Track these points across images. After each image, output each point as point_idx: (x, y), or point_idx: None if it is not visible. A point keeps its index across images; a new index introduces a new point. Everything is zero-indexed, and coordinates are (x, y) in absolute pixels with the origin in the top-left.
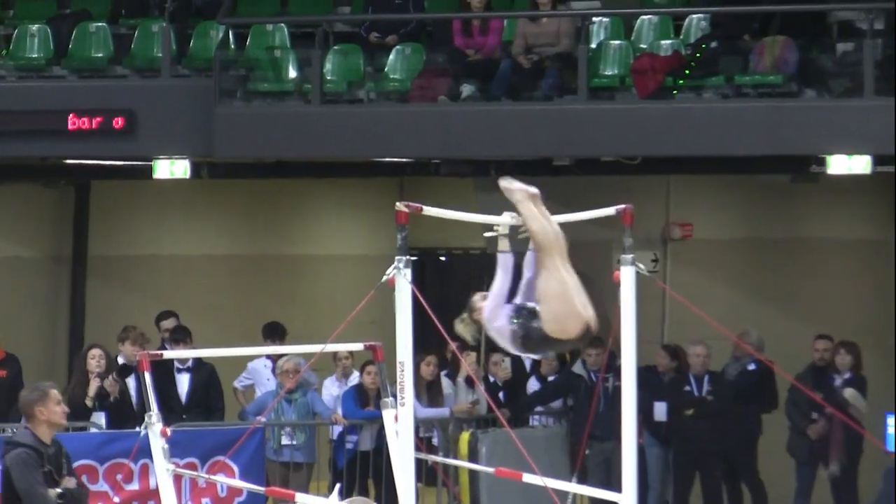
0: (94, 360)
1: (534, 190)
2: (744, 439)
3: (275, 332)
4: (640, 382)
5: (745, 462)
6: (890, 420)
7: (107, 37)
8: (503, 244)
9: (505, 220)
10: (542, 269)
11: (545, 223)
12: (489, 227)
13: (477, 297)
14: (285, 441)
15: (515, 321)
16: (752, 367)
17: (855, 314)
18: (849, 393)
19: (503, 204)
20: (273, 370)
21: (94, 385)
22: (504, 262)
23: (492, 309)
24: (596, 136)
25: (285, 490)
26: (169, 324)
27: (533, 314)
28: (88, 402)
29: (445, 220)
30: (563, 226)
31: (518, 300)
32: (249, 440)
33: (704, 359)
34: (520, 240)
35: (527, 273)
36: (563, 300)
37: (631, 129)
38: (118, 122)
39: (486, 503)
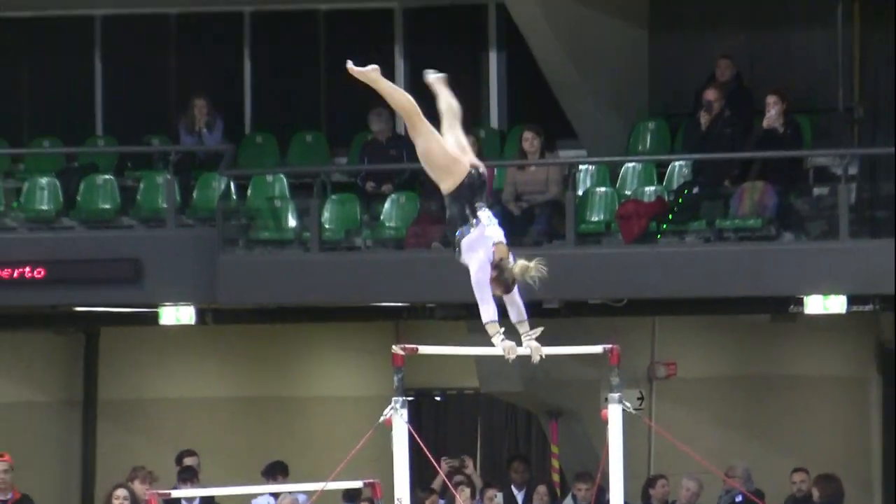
0: (118, 500)
1: (375, 66)
2: None
3: (276, 471)
4: None
5: None
6: None
7: (113, 188)
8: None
9: (504, 348)
10: (415, 137)
11: (401, 92)
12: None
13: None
14: None
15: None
16: (739, 499)
17: (836, 447)
18: None
19: (496, 346)
20: None
21: None
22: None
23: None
24: (583, 279)
25: None
26: (190, 460)
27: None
28: None
29: (441, 362)
30: (553, 364)
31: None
32: None
33: (694, 494)
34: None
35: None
36: (439, 153)
37: (617, 272)
38: (125, 271)
39: None
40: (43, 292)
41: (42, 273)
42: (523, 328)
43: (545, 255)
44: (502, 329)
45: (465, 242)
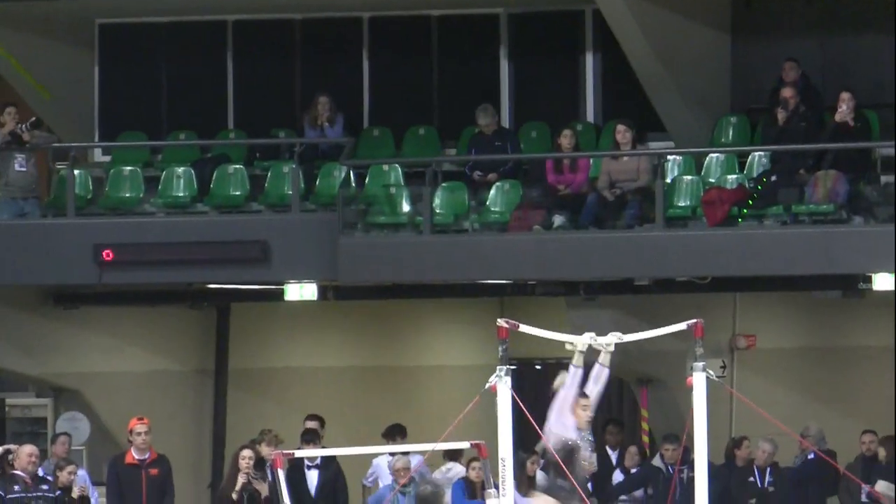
0: (244, 459)
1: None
2: None
3: (395, 432)
4: (713, 473)
5: None
6: None
7: (244, 177)
8: (578, 359)
9: (584, 339)
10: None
11: None
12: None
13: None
14: None
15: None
16: (811, 456)
17: None
18: (880, 485)
19: (592, 320)
20: (391, 467)
21: (240, 481)
22: (573, 374)
23: (557, 410)
24: (671, 259)
25: None
26: (312, 423)
27: (571, 455)
28: (234, 496)
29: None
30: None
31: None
32: None
33: (769, 454)
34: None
35: (591, 385)
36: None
37: (701, 253)
38: (254, 252)
39: None
40: (179, 271)
41: (178, 254)
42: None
43: (636, 236)
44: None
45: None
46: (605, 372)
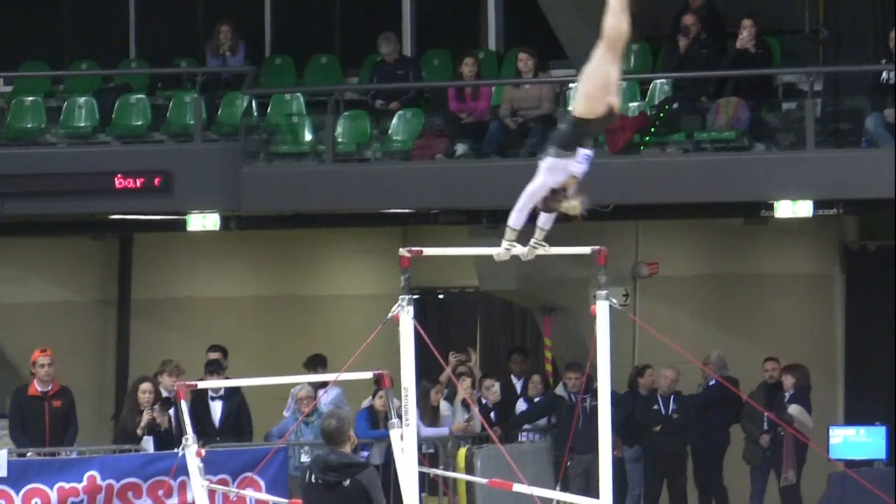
0: (145, 394)
1: None
2: (710, 450)
3: (316, 363)
4: (616, 401)
5: (710, 471)
6: (833, 432)
7: (146, 107)
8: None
9: (499, 251)
10: (595, 53)
11: (620, 21)
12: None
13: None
14: (304, 458)
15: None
16: (712, 383)
17: (803, 339)
18: (793, 409)
19: (494, 247)
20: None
21: (145, 416)
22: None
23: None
24: None
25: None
26: (214, 354)
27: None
28: (139, 431)
29: (443, 263)
30: (541, 264)
31: None
32: (274, 458)
33: (672, 382)
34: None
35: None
36: (596, 81)
37: (604, 180)
38: (156, 182)
39: None
40: (81, 202)
41: (81, 184)
42: (538, 235)
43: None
44: (514, 239)
45: (551, 160)
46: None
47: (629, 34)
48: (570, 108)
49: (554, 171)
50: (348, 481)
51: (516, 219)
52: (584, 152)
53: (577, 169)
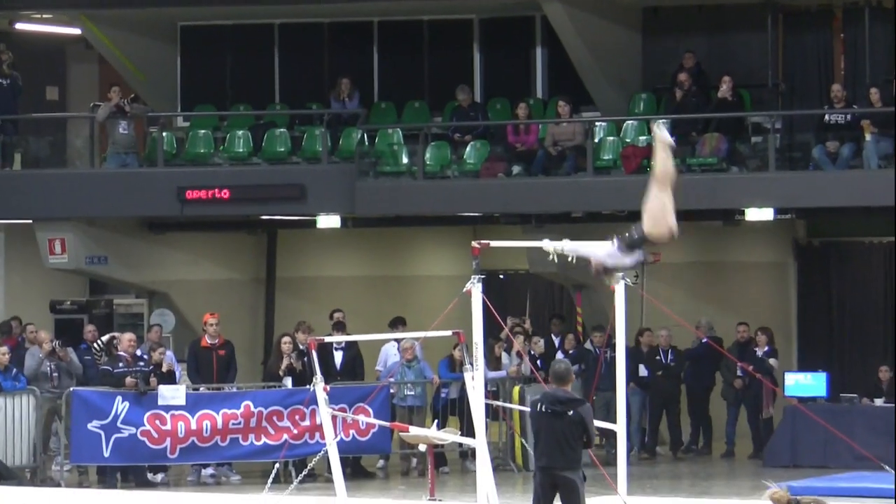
0: (286, 345)
1: (669, 140)
2: (700, 390)
3: (398, 323)
4: (629, 354)
5: (699, 405)
6: (788, 377)
7: (286, 138)
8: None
9: (545, 244)
10: (651, 190)
11: (666, 165)
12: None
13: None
14: (406, 392)
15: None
16: (704, 341)
17: (767, 310)
18: (773, 361)
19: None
20: (398, 349)
21: (285, 361)
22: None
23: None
24: (599, 197)
25: (403, 424)
26: (339, 316)
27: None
28: (281, 372)
29: (503, 252)
30: (577, 258)
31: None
32: (381, 393)
33: (667, 338)
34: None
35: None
36: (658, 211)
37: (621, 193)
38: (294, 192)
39: (530, 432)
40: (239, 206)
41: (239, 194)
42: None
43: (573, 181)
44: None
45: (616, 251)
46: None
47: (675, 174)
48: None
49: (613, 256)
50: (571, 412)
51: (571, 250)
52: (638, 254)
53: (629, 262)
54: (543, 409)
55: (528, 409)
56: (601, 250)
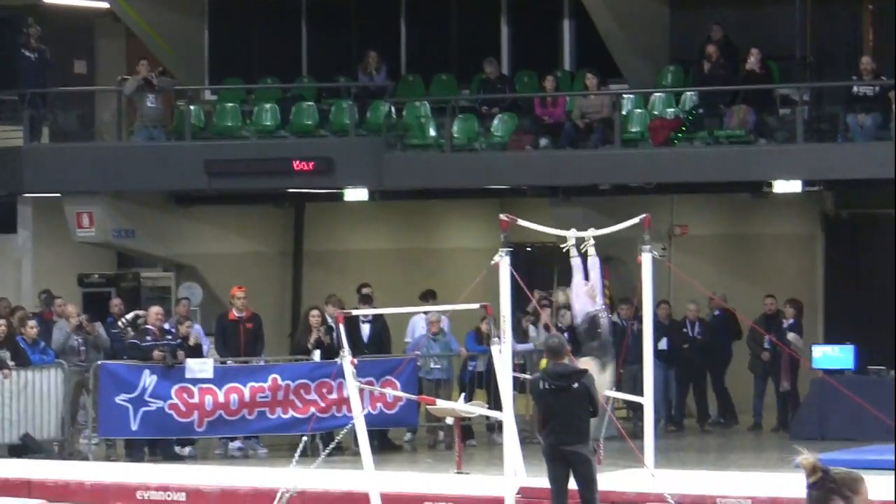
0: (314, 318)
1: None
2: (719, 363)
3: (428, 295)
4: (656, 326)
5: (717, 377)
6: (815, 349)
7: (314, 111)
8: (573, 251)
9: (571, 234)
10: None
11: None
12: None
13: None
14: (433, 365)
15: (581, 325)
16: (717, 313)
17: (795, 282)
18: (791, 336)
19: (569, 215)
20: (426, 321)
21: (314, 334)
22: (576, 265)
23: (575, 297)
24: (626, 170)
25: (430, 398)
26: (367, 290)
27: (594, 322)
28: (309, 346)
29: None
30: (602, 226)
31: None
32: (408, 366)
33: (695, 311)
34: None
35: (591, 274)
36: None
37: (648, 165)
38: (322, 165)
39: None
40: (267, 179)
41: (267, 167)
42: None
43: (600, 153)
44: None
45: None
46: (597, 261)
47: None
48: None
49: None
50: (576, 385)
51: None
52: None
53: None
54: (548, 387)
55: None
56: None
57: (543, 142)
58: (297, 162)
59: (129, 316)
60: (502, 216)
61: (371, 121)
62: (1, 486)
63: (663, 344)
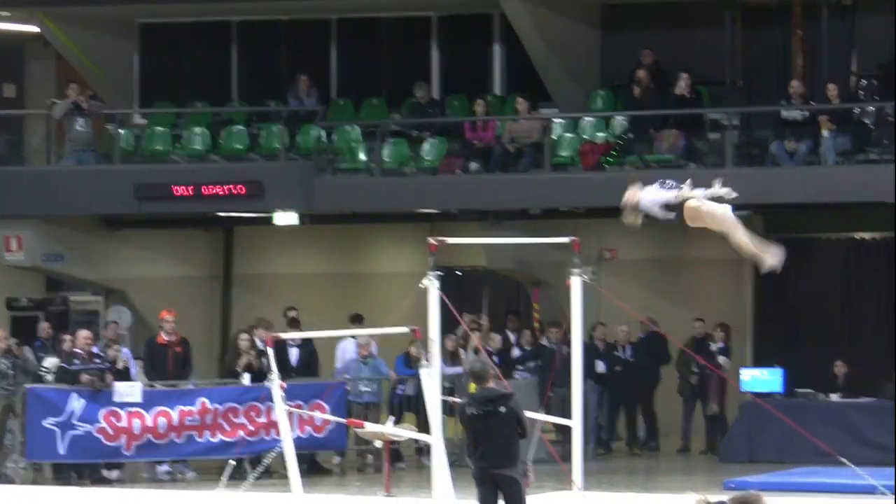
0: (244, 341)
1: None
2: (645, 385)
3: (357, 319)
4: (586, 350)
5: (645, 400)
6: (743, 372)
7: (244, 135)
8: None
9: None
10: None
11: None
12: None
13: (630, 191)
14: (362, 388)
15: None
16: (643, 336)
17: (724, 305)
18: (721, 359)
19: (498, 238)
20: (356, 345)
21: (244, 359)
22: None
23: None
24: (556, 194)
25: (359, 420)
26: (293, 313)
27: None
28: (239, 369)
29: (460, 249)
30: (531, 251)
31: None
32: (337, 389)
33: (626, 334)
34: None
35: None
36: (720, 220)
37: (578, 189)
38: (251, 189)
39: None
40: (197, 203)
41: (196, 191)
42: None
43: (530, 177)
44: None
45: (657, 198)
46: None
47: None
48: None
49: (653, 199)
50: (504, 408)
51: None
52: (671, 215)
53: (660, 214)
54: (475, 412)
55: None
56: (649, 193)
57: (474, 165)
58: (226, 186)
59: (51, 364)
60: (431, 239)
61: (301, 145)
62: None
63: (601, 367)
